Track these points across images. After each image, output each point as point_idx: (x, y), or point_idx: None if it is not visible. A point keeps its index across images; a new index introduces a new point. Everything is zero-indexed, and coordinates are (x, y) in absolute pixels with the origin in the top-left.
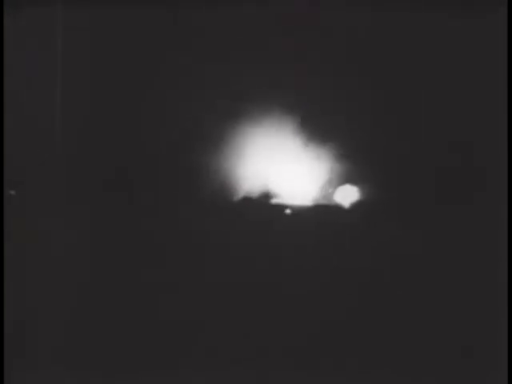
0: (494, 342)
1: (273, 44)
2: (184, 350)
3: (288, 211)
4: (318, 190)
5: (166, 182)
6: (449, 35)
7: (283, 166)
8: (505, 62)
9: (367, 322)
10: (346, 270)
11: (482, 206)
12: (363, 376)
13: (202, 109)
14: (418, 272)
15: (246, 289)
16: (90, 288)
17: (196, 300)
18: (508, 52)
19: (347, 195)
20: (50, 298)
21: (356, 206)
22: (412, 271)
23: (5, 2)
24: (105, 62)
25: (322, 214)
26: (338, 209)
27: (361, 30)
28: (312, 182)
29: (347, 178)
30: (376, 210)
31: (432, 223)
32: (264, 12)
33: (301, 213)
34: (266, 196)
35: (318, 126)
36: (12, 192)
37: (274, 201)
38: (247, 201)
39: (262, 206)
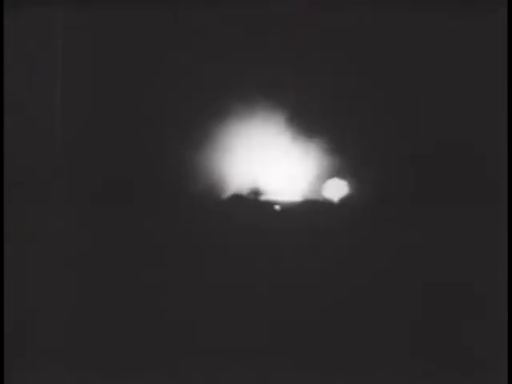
0: (494, 342)
1: (273, 44)
2: (184, 350)
3: (277, 207)
4: (307, 186)
5: (162, 182)
6: (449, 35)
7: (272, 163)
8: (505, 62)
9: (367, 322)
10: (339, 265)
11: (480, 205)
12: (363, 376)
13: (191, 108)
14: (410, 267)
15: (246, 288)
16: (89, 288)
17: (196, 300)
18: (508, 52)
19: (336, 190)
20: (49, 297)
21: (345, 201)
22: (404, 266)
23: (5, 2)
24: (105, 62)
25: (311, 209)
26: (327, 203)
27: (361, 30)
28: (301, 177)
29: (336, 173)
30: (366, 205)
31: (421, 217)
32: (264, 12)
33: (290, 208)
34: (255, 193)
35: (305, 122)
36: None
37: (263, 197)
38: (236, 198)
39: (251, 203)
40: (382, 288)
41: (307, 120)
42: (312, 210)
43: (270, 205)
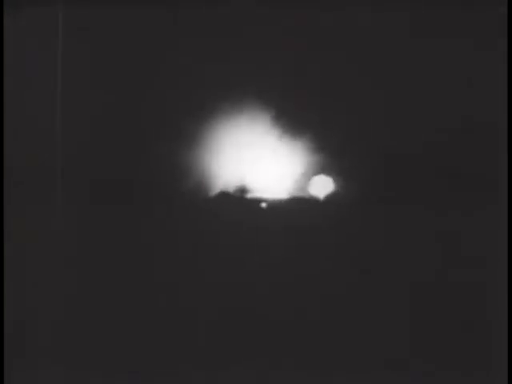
0: (494, 342)
1: (260, 43)
2: (184, 350)
3: (264, 205)
4: (293, 183)
5: (162, 182)
6: (448, 35)
7: (258, 161)
8: (505, 62)
9: (367, 322)
10: (328, 262)
11: (480, 205)
12: (363, 376)
13: (178, 107)
14: (402, 266)
15: (244, 288)
16: (90, 288)
17: (196, 300)
18: (508, 52)
19: (323, 187)
20: (50, 298)
21: (331, 198)
22: (395, 265)
23: (5, 2)
24: (105, 61)
25: (298, 206)
26: (313, 201)
27: (360, 30)
28: (287, 175)
29: (322, 170)
30: (352, 202)
31: (408, 215)
32: (264, 12)
33: (276, 206)
34: (241, 190)
35: (292, 120)
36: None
37: (249, 195)
38: (223, 196)
39: (238, 201)
40: (373, 286)
41: (294, 119)
42: (298, 207)
43: (256, 202)
